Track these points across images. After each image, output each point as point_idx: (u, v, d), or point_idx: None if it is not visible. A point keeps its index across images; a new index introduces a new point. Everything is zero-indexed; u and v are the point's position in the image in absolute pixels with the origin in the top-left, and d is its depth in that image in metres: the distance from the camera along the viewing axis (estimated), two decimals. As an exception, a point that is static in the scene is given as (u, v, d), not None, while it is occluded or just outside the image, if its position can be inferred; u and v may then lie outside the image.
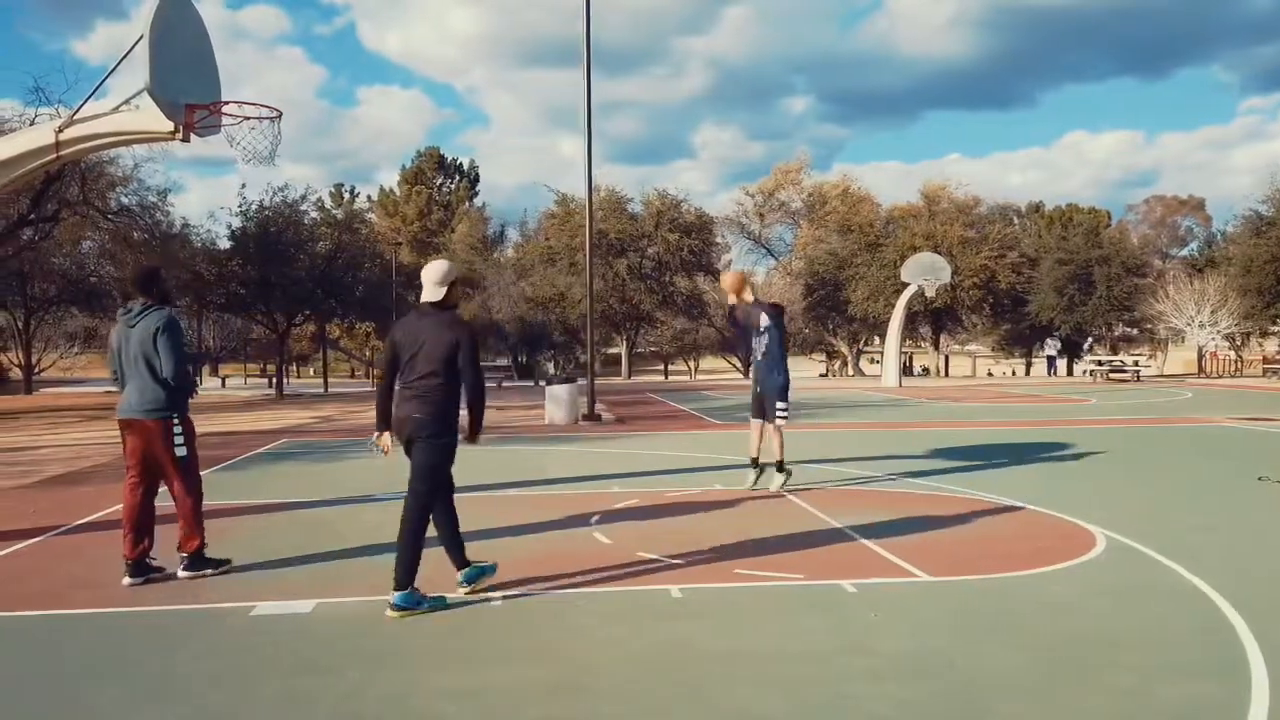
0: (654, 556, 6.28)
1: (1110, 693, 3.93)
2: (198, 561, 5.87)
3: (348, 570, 5.93)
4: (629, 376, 42.49)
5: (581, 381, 18.48)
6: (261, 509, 7.87)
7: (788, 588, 5.57)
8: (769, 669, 4.22)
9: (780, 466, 8.76)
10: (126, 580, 5.67)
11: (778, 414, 8.75)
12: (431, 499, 5.17)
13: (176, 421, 5.72)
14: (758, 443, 9.03)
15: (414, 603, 5.00)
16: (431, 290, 5.22)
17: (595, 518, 7.62)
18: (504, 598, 5.32)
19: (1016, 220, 54.31)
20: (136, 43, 7.96)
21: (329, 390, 34.21)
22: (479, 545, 6.63)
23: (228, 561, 6.01)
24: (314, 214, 33.89)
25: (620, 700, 3.90)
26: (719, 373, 54.19)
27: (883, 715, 3.71)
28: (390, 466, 10.86)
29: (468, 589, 5.32)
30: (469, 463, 11.48)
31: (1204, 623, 4.87)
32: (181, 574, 5.83)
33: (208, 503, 6.10)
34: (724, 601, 5.31)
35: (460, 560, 5.39)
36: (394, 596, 4.97)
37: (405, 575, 4.99)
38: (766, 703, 3.84)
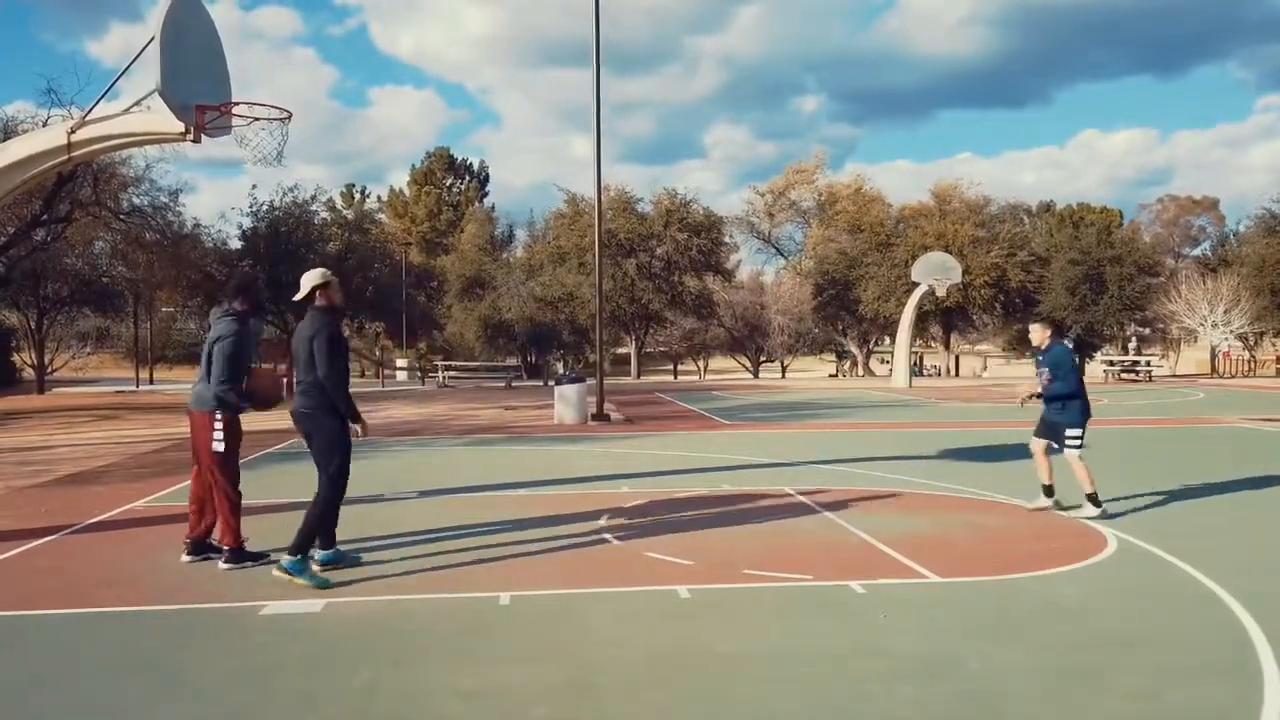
0: (662, 556, 6.28)
1: (1122, 694, 3.92)
2: (238, 555, 6.06)
3: (357, 570, 5.95)
4: (638, 376, 42.46)
5: (590, 381, 18.49)
6: (271, 508, 7.90)
7: (797, 588, 5.57)
8: (780, 670, 4.22)
9: (1092, 499, 7.90)
10: (185, 558, 6.18)
11: (1068, 442, 8.01)
12: None
13: (218, 417, 6.04)
14: (1044, 468, 8.21)
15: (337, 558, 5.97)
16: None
17: (604, 517, 7.62)
18: (513, 597, 5.34)
19: (1027, 219, 53.96)
20: (148, 44, 7.98)
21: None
22: (487, 543, 6.65)
23: (267, 554, 6.15)
24: (324, 214, 33.99)
25: (629, 700, 3.91)
26: (728, 372, 54.15)
27: (901, 717, 3.71)
28: (398, 468, 10.91)
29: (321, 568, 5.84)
30: (478, 463, 11.55)
31: (1216, 624, 4.85)
32: (221, 565, 6.03)
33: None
34: (733, 602, 5.32)
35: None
36: (320, 555, 5.86)
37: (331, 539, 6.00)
38: (780, 703, 3.83)
